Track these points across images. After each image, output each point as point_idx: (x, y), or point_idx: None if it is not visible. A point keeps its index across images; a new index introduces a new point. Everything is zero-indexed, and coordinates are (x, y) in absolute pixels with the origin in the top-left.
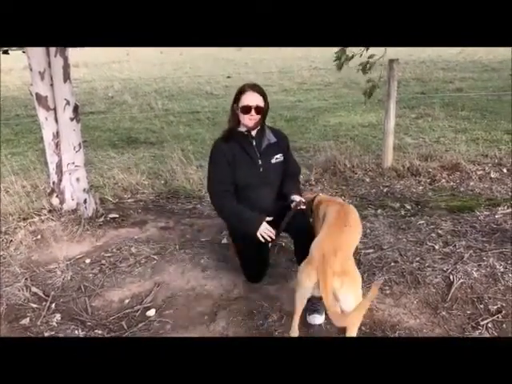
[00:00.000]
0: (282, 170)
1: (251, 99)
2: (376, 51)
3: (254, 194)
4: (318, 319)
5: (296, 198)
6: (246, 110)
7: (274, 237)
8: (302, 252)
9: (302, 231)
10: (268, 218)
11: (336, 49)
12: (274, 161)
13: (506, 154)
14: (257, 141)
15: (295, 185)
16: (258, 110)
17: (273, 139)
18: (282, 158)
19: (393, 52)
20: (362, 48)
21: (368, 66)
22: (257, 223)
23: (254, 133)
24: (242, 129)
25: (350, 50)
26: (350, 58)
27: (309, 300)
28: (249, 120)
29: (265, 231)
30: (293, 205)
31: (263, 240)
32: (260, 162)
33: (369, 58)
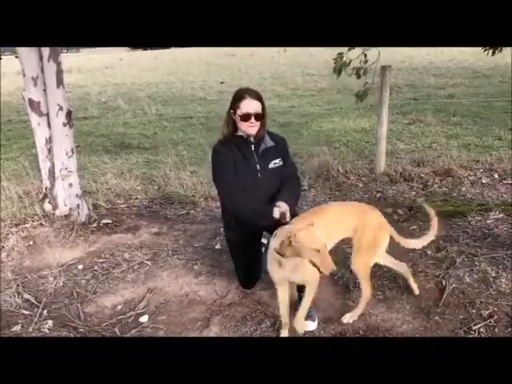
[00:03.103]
0: (280, 175)
1: (251, 106)
2: (370, 57)
3: (250, 199)
4: (311, 326)
5: (281, 204)
6: (246, 117)
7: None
8: None
9: None
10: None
11: (330, 53)
12: (271, 166)
13: (497, 160)
14: (255, 145)
15: (286, 190)
16: (258, 116)
17: (270, 143)
18: (280, 163)
19: (384, 58)
20: (359, 53)
21: (362, 71)
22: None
23: (252, 137)
24: (240, 133)
25: (347, 57)
26: (348, 64)
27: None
28: (249, 127)
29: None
30: (274, 213)
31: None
32: (258, 167)
33: (364, 63)
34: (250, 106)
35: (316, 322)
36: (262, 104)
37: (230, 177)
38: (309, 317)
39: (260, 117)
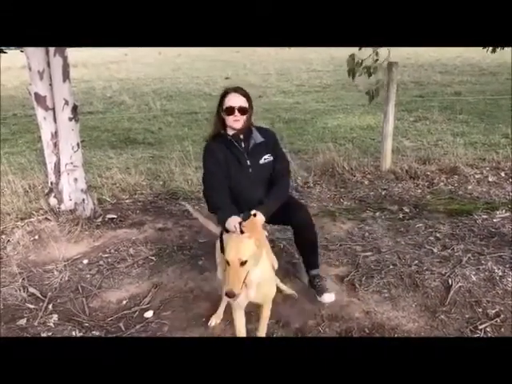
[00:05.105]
0: (272, 170)
1: (234, 100)
2: (380, 54)
3: (244, 196)
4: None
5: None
6: (230, 111)
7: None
8: (302, 243)
9: (301, 223)
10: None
11: (335, 50)
12: (262, 161)
13: (504, 158)
14: (244, 142)
15: (269, 196)
16: (242, 110)
17: (259, 139)
18: (271, 158)
19: (390, 55)
20: (369, 52)
21: (372, 69)
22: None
23: (241, 135)
24: (230, 132)
25: (358, 57)
26: (360, 64)
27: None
28: (233, 121)
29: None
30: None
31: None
32: (249, 163)
33: (375, 61)
34: (233, 100)
35: (333, 294)
36: (248, 100)
37: (219, 176)
38: (324, 290)
39: (244, 111)
